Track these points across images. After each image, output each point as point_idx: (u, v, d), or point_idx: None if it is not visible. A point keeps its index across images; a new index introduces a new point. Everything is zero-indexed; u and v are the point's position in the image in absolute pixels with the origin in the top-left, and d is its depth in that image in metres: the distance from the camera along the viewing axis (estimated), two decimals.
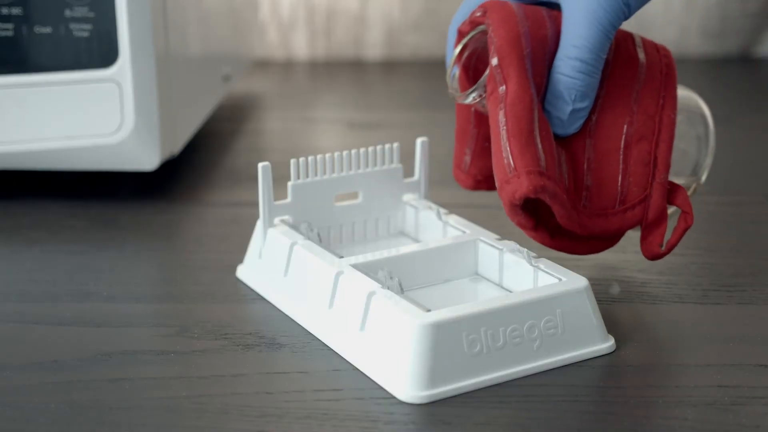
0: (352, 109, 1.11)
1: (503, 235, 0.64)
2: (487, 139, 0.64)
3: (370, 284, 0.58)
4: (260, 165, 0.64)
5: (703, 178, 0.68)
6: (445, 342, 0.54)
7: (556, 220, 0.59)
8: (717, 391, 0.55)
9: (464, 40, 0.62)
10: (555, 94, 0.60)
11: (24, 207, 0.81)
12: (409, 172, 0.71)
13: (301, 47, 1.28)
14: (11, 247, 0.74)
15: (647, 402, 0.54)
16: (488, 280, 0.64)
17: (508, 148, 0.57)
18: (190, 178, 0.87)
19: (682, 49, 1.26)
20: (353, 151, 0.68)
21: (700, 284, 0.67)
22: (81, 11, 0.75)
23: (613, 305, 0.64)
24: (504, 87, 0.58)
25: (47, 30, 0.75)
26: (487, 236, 0.64)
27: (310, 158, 0.66)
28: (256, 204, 0.66)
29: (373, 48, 1.27)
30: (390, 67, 1.26)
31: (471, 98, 0.61)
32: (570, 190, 0.60)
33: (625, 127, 0.61)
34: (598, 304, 0.59)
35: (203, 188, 0.85)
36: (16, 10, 0.75)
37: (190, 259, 0.72)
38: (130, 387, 0.56)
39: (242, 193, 0.84)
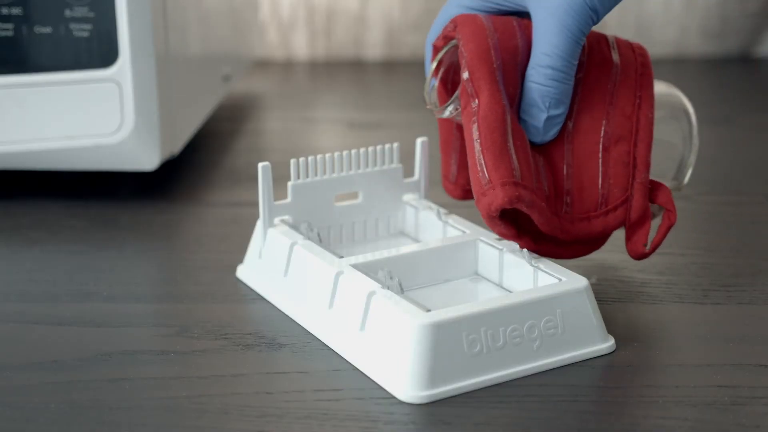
0: (352, 109, 1.11)
1: None
2: None
3: (370, 284, 0.58)
4: (260, 165, 0.64)
5: (688, 175, 0.68)
6: (445, 342, 0.54)
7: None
8: (717, 391, 0.55)
9: (439, 55, 0.63)
10: (529, 102, 0.60)
11: (24, 207, 0.81)
12: (409, 172, 0.71)
13: (301, 47, 1.28)
14: (11, 247, 0.74)
15: (647, 402, 0.54)
16: (488, 280, 0.64)
17: (483, 161, 0.58)
18: (190, 178, 0.87)
19: (682, 49, 1.26)
20: (353, 151, 0.68)
21: (700, 284, 0.67)
22: (81, 11, 0.75)
23: (613, 305, 0.64)
24: (476, 101, 0.59)
25: (47, 30, 0.75)
26: (487, 236, 0.64)
27: (310, 158, 0.67)
28: (256, 204, 0.66)
29: (373, 48, 1.27)
30: (390, 67, 1.26)
31: (448, 112, 0.62)
32: (551, 197, 0.60)
33: (603, 129, 0.61)
34: (598, 304, 0.59)
35: (203, 188, 0.85)
36: (16, 10, 0.75)
37: (190, 259, 0.72)
38: (130, 387, 0.56)
39: (242, 193, 0.84)
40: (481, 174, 0.58)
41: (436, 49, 0.63)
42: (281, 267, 0.64)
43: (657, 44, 1.25)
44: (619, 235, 0.73)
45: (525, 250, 0.61)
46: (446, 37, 0.62)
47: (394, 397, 0.54)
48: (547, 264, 0.60)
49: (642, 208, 0.61)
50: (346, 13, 1.26)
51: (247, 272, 0.68)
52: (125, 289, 0.67)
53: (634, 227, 0.61)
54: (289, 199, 0.66)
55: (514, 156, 0.58)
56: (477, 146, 0.58)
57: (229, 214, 0.80)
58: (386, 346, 0.55)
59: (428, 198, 0.70)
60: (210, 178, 0.88)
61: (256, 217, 0.67)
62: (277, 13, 1.27)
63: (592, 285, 0.64)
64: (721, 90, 1.19)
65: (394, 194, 0.70)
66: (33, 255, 0.73)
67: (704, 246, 0.73)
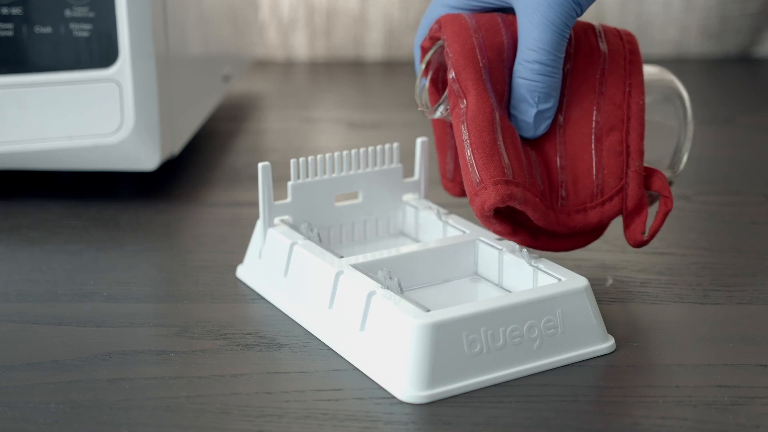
0: (352, 109, 1.11)
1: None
2: None
3: (370, 284, 0.58)
4: (260, 165, 0.64)
5: (684, 159, 0.67)
6: (445, 342, 0.54)
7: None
8: (717, 391, 0.55)
9: (427, 56, 0.63)
10: (518, 98, 0.61)
11: (24, 207, 0.81)
12: (409, 172, 0.71)
13: (301, 47, 1.28)
14: (11, 247, 0.74)
15: (647, 402, 0.54)
16: (488, 280, 0.64)
17: (473, 161, 0.58)
18: (190, 178, 0.87)
19: (682, 49, 1.26)
20: (353, 151, 0.68)
21: (700, 284, 0.67)
22: (81, 11, 0.75)
23: (613, 305, 0.64)
24: (464, 101, 0.59)
25: (47, 30, 0.75)
26: (486, 236, 0.64)
27: (310, 158, 0.67)
28: (256, 204, 0.66)
29: (373, 48, 1.27)
30: (390, 67, 1.26)
31: (438, 113, 0.62)
32: (546, 191, 0.60)
33: (594, 120, 0.61)
34: (598, 304, 0.59)
35: (203, 188, 0.85)
36: (16, 10, 0.75)
37: (190, 259, 0.72)
38: (130, 387, 0.56)
39: (242, 193, 0.84)
40: (472, 174, 0.58)
41: (424, 50, 0.64)
42: (281, 267, 0.64)
43: (657, 44, 1.25)
44: (618, 236, 0.73)
45: (525, 250, 0.61)
46: (433, 38, 0.63)
47: (394, 397, 0.54)
48: (546, 264, 0.60)
49: (638, 196, 0.61)
50: (346, 13, 1.26)
51: (247, 272, 0.68)
52: (125, 289, 0.67)
53: (631, 216, 0.61)
54: (289, 199, 0.66)
55: (504, 154, 0.59)
56: (467, 147, 0.59)
57: (229, 214, 0.80)
58: (386, 346, 0.55)
59: (428, 198, 0.70)
60: (210, 178, 0.88)
61: (256, 217, 0.67)
62: (277, 13, 1.27)
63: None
64: (721, 90, 1.19)
65: (394, 194, 0.70)
66: (33, 255, 0.73)
67: (704, 246, 0.73)
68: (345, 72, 1.25)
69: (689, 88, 0.70)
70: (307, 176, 0.67)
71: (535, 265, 0.60)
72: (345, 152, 0.68)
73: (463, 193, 0.66)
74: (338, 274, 0.60)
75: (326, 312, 0.60)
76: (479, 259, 0.64)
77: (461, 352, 0.55)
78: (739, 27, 1.25)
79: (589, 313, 0.58)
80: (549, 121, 0.61)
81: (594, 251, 0.71)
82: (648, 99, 0.63)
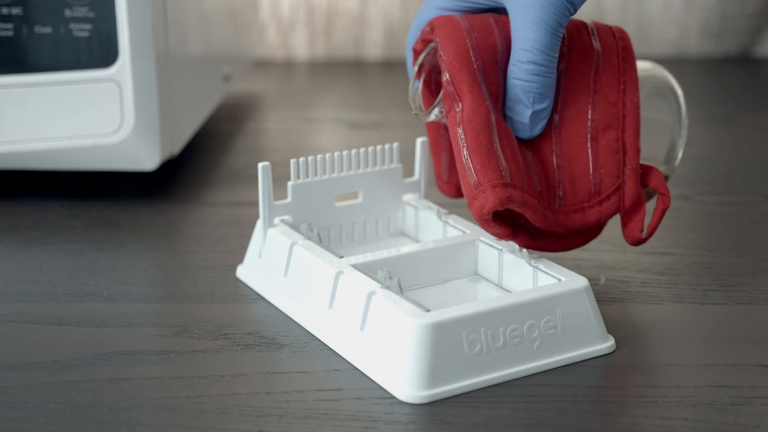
0: (352, 109, 1.11)
1: None
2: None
3: (370, 284, 0.58)
4: (260, 165, 0.64)
5: (680, 155, 0.67)
6: (445, 342, 0.54)
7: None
8: (717, 391, 0.55)
9: (420, 59, 0.63)
10: (513, 99, 0.60)
11: (24, 207, 0.81)
12: (409, 172, 0.71)
13: (301, 47, 1.28)
14: (11, 247, 0.74)
15: (647, 402, 0.54)
16: (488, 280, 0.64)
17: (471, 164, 0.58)
18: (190, 178, 0.87)
19: (682, 49, 1.26)
20: (353, 151, 0.68)
21: (700, 284, 0.67)
22: (81, 11, 0.75)
23: (613, 305, 0.64)
24: (460, 104, 0.59)
25: (47, 30, 0.75)
26: (486, 236, 0.64)
27: (310, 158, 0.67)
28: (256, 204, 0.66)
29: (373, 48, 1.27)
30: (390, 67, 1.26)
31: (433, 116, 0.62)
32: (543, 191, 0.60)
33: (589, 118, 0.61)
34: (598, 304, 0.59)
35: (203, 188, 0.85)
36: (16, 10, 0.75)
37: (190, 259, 0.72)
38: (130, 387, 0.56)
39: (242, 193, 0.84)
40: (470, 177, 0.58)
41: (416, 53, 0.63)
42: (281, 267, 0.64)
43: (657, 44, 1.25)
44: (618, 236, 0.73)
45: (525, 250, 0.61)
46: (425, 40, 0.63)
47: (394, 397, 0.54)
48: (546, 264, 0.60)
49: (635, 194, 0.61)
50: (346, 13, 1.26)
51: (247, 272, 0.68)
52: (125, 289, 0.67)
53: (629, 214, 0.61)
54: (289, 199, 0.66)
55: (501, 156, 0.59)
56: (464, 150, 0.59)
57: (229, 214, 0.80)
58: (386, 346, 0.55)
59: (428, 198, 0.70)
60: (210, 178, 0.88)
61: (256, 217, 0.67)
62: (277, 13, 1.27)
63: (599, 285, 0.64)
64: (721, 90, 1.19)
65: (394, 194, 0.70)
66: (33, 255, 0.73)
67: (704, 246, 0.73)
68: (345, 72, 1.25)
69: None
70: (307, 176, 0.67)
71: (535, 265, 0.60)
72: (345, 152, 0.68)
73: (458, 194, 0.66)
74: (338, 274, 0.60)
75: (326, 312, 0.60)
76: (479, 259, 0.64)
77: (461, 352, 0.55)
78: (739, 27, 1.25)
79: (589, 313, 0.58)
80: (545, 122, 0.61)
81: (594, 251, 0.71)
82: (641, 95, 0.63)
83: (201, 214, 0.80)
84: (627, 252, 0.71)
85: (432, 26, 0.62)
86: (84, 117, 0.76)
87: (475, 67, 0.60)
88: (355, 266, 0.60)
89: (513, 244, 0.62)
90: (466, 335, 0.55)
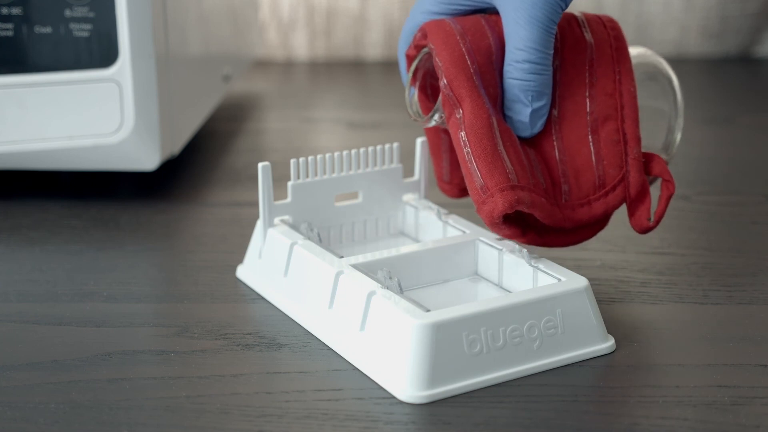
0: (352, 109, 1.11)
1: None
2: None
3: (370, 284, 0.58)
4: (260, 165, 0.64)
5: (677, 138, 0.67)
6: (445, 342, 0.54)
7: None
8: (717, 391, 0.55)
9: (414, 65, 0.63)
10: (512, 99, 0.60)
11: (24, 207, 0.81)
12: (409, 172, 0.71)
13: (301, 47, 1.28)
14: (11, 247, 0.74)
15: (647, 402, 0.54)
16: (488, 280, 0.64)
17: (477, 169, 0.58)
18: (190, 178, 0.87)
19: (682, 49, 1.26)
20: (353, 151, 0.68)
21: (700, 284, 0.67)
22: (81, 11, 0.75)
23: (613, 305, 0.64)
24: (460, 110, 0.59)
25: (47, 30, 0.75)
26: (486, 236, 0.64)
27: (310, 158, 0.67)
28: (256, 204, 0.66)
29: (373, 48, 1.27)
30: (390, 67, 1.26)
31: (433, 122, 0.62)
32: (549, 188, 0.60)
33: (588, 111, 0.61)
34: (598, 304, 0.59)
35: (203, 188, 0.85)
36: (16, 10, 0.75)
37: (190, 259, 0.72)
38: (130, 387, 0.56)
39: (242, 193, 0.84)
40: (477, 183, 0.58)
41: (410, 59, 0.63)
42: (281, 267, 0.64)
43: (657, 44, 1.25)
44: (618, 236, 0.73)
45: (525, 250, 0.61)
46: (418, 46, 0.62)
47: (394, 397, 0.54)
48: (546, 264, 0.60)
49: (640, 183, 0.61)
50: (346, 13, 1.26)
51: (247, 272, 0.68)
52: (125, 289, 0.67)
53: (635, 203, 0.61)
54: (289, 199, 0.66)
55: (506, 158, 0.59)
56: (469, 156, 0.59)
57: (229, 214, 0.80)
58: (386, 346, 0.55)
59: (428, 198, 0.70)
60: (210, 178, 0.88)
61: (256, 217, 0.67)
62: (277, 13, 1.27)
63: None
64: (721, 90, 1.19)
65: (394, 194, 0.70)
66: (33, 255, 0.73)
67: (704, 246, 0.73)
68: (345, 72, 1.25)
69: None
70: (307, 176, 0.67)
71: (535, 265, 0.60)
72: (345, 152, 0.68)
73: (460, 195, 0.66)
74: (338, 274, 0.60)
75: (326, 312, 0.60)
76: (479, 259, 0.64)
77: (461, 352, 0.55)
78: (739, 27, 1.25)
79: (589, 313, 0.58)
80: (544, 119, 0.61)
81: (594, 251, 0.71)
82: (637, 82, 0.63)
83: (201, 214, 0.80)
84: (627, 252, 0.71)
85: (424, 32, 0.61)
86: (84, 117, 0.76)
87: (471, 71, 0.60)
88: (355, 266, 0.60)
89: (513, 244, 0.62)
90: (466, 335, 0.55)
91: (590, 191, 0.61)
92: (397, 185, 0.70)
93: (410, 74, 0.63)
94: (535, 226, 0.61)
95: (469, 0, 0.62)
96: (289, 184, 0.66)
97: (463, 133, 0.59)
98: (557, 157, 0.61)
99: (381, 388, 0.55)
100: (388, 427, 0.52)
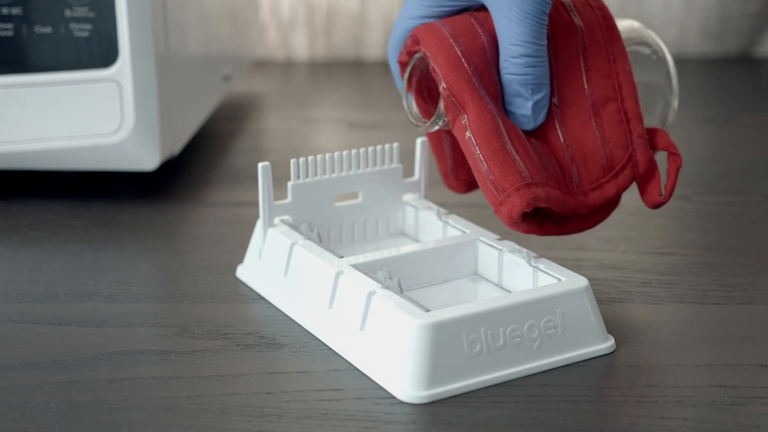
0: (352, 109, 1.11)
1: (503, 235, 0.64)
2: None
3: (370, 284, 0.58)
4: (260, 165, 0.64)
5: (673, 110, 0.67)
6: (445, 342, 0.54)
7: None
8: (717, 391, 0.55)
9: (408, 70, 0.63)
10: (512, 94, 0.60)
11: (24, 207, 0.81)
12: (409, 172, 0.71)
13: (301, 47, 1.28)
14: (11, 247, 0.74)
15: (647, 402, 0.54)
16: (488, 280, 0.64)
17: (489, 172, 0.58)
18: (190, 178, 0.87)
19: (682, 49, 1.26)
20: (353, 151, 0.68)
21: (700, 284, 0.67)
22: (81, 11, 0.75)
23: (613, 305, 0.64)
24: (465, 115, 0.59)
25: (47, 30, 0.75)
26: (486, 236, 0.64)
27: (310, 158, 0.67)
28: (256, 204, 0.66)
29: (373, 48, 1.27)
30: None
31: (437, 126, 0.62)
32: (560, 177, 0.60)
33: (587, 96, 0.61)
34: (598, 304, 0.59)
35: (203, 188, 0.85)
36: (16, 10, 0.75)
37: (190, 259, 0.72)
38: (130, 387, 0.56)
39: (242, 193, 0.84)
40: (492, 185, 0.58)
41: (403, 65, 0.63)
42: (281, 267, 0.64)
43: None
44: (618, 236, 0.73)
45: (525, 250, 0.61)
46: (410, 52, 0.62)
47: (394, 397, 0.54)
48: (546, 264, 0.60)
49: (647, 159, 0.61)
50: (346, 13, 1.26)
51: (247, 272, 0.68)
52: (125, 289, 0.67)
53: (645, 180, 0.61)
54: (289, 199, 0.66)
55: (516, 157, 0.59)
56: (480, 160, 0.59)
57: (229, 214, 0.80)
58: (386, 346, 0.55)
59: (428, 198, 0.70)
60: (210, 178, 0.88)
61: (256, 217, 0.67)
62: (277, 13, 1.27)
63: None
64: (721, 90, 1.19)
65: (394, 194, 0.70)
66: (33, 255, 0.73)
67: (704, 246, 0.73)
68: (345, 72, 1.25)
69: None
70: (307, 176, 0.67)
71: (535, 265, 0.60)
72: (345, 152, 0.68)
73: (468, 189, 0.66)
74: (338, 274, 0.60)
75: (326, 312, 0.60)
76: (479, 259, 0.64)
77: (461, 352, 0.55)
78: (739, 27, 1.25)
79: (589, 313, 0.58)
80: (545, 109, 0.61)
81: (594, 251, 0.71)
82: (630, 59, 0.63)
83: (201, 214, 0.80)
84: (627, 252, 0.71)
85: (416, 38, 0.61)
86: (84, 117, 0.76)
87: (470, 73, 0.59)
88: (355, 266, 0.60)
89: (513, 244, 0.62)
90: (466, 335, 0.55)
91: (600, 174, 0.61)
92: (397, 185, 0.70)
93: (405, 80, 0.63)
94: (551, 217, 0.61)
95: (457, 0, 0.62)
96: (289, 184, 0.66)
97: (470, 137, 0.59)
98: (563, 145, 0.61)
99: (381, 388, 0.55)
100: (388, 427, 0.52)
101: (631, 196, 0.77)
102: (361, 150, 0.68)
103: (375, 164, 0.69)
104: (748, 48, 1.27)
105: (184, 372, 0.57)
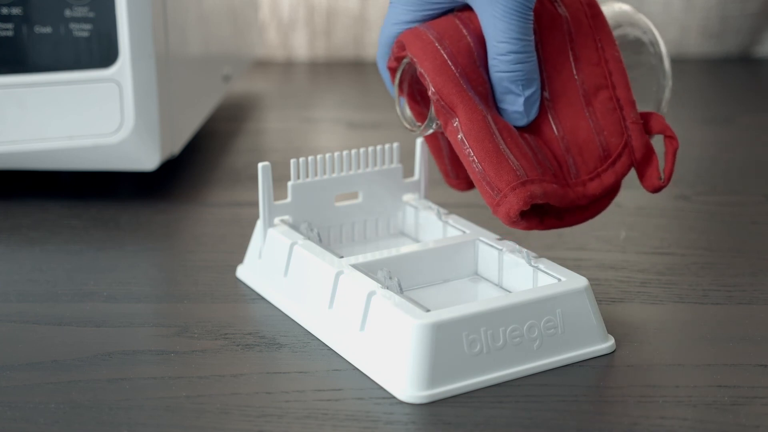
0: (352, 109, 1.11)
1: (503, 235, 0.64)
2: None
3: (370, 284, 0.58)
4: (260, 165, 0.64)
5: (667, 94, 0.66)
6: (445, 342, 0.54)
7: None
8: (717, 391, 0.55)
9: (397, 76, 0.63)
10: (503, 91, 0.60)
11: (24, 207, 0.81)
12: (409, 172, 0.71)
13: (301, 47, 1.28)
14: (11, 247, 0.74)
15: (647, 402, 0.54)
16: (488, 280, 0.64)
17: (484, 173, 0.58)
18: (190, 178, 0.87)
19: (682, 49, 1.26)
20: (353, 151, 0.68)
21: (700, 284, 0.67)
22: (81, 11, 0.75)
23: (613, 305, 0.64)
24: (456, 118, 0.59)
25: (47, 30, 0.75)
26: (486, 236, 0.64)
27: (310, 158, 0.67)
28: (256, 204, 0.66)
29: (373, 48, 1.27)
30: None
31: (431, 130, 0.62)
32: (557, 171, 0.60)
33: (578, 86, 0.61)
34: (598, 304, 0.59)
35: (203, 188, 0.85)
36: (16, 10, 0.75)
37: (190, 259, 0.72)
38: (130, 387, 0.56)
39: (242, 193, 0.84)
40: (488, 186, 0.58)
41: (392, 71, 0.63)
42: (281, 267, 0.64)
43: None
44: (617, 237, 0.73)
45: (525, 250, 0.61)
46: (398, 58, 0.62)
47: (394, 397, 0.54)
48: (546, 264, 0.60)
49: (643, 145, 0.61)
50: (346, 13, 1.26)
51: (247, 272, 0.68)
52: (125, 289, 0.67)
53: (642, 165, 0.61)
54: (289, 199, 0.66)
55: (510, 155, 0.59)
56: (474, 161, 0.59)
57: (229, 214, 0.80)
58: (386, 346, 0.55)
59: (428, 198, 0.70)
60: (210, 178, 0.88)
61: (256, 217, 0.67)
62: (277, 13, 1.27)
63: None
64: (721, 90, 1.19)
65: (394, 194, 0.70)
66: (33, 255, 0.73)
67: (704, 246, 0.73)
68: (345, 72, 1.25)
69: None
70: (307, 176, 0.67)
71: (535, 265, 0.60)
72: (345, 152, 0.68)
73: (469, 187, 0.66)
74: (338, 274, 0.60)
75: (326, 312, 0.60)
76: (479, 259, 0.64)
77: (461, 352, 0.55)
78: (739, 27, 1.25)
79: (589, 313, 0.58)
80: (537, 104, 0.61)
81: (594, 251, 0.71)
82: (619, 44, 0.63)
83: (201, 214, 0.80)
84: (627, 252, 0.71)
85: (402, 44, 0.61)
86: (84, 117, 0.76)
87: (457, 75, 0.59)
88: (355, 266, 0.60)
89: (513, 244, 0.62)
90: (466, 335, 0.55)
91: (597, 164, 0.61)
92: (397, 185, 0.70)
93: (396, 86, 0.63)
94: (551, 211, 0.61)
95: (440, 2, 0.61)
96: (289, 184, 0.66)
97: (463, 139, 0.59)
98: (558, 138, 0.61)
99: (381, 388, 0.55)
100: (388, 427, 0.52)
101: (631, 196, 0.77)
102: (361, 150, 0.68)
103: (375, 164, 0.69)
104: (748, 48, 1.27)
105: (184, 372, 0.57)
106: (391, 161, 0.69)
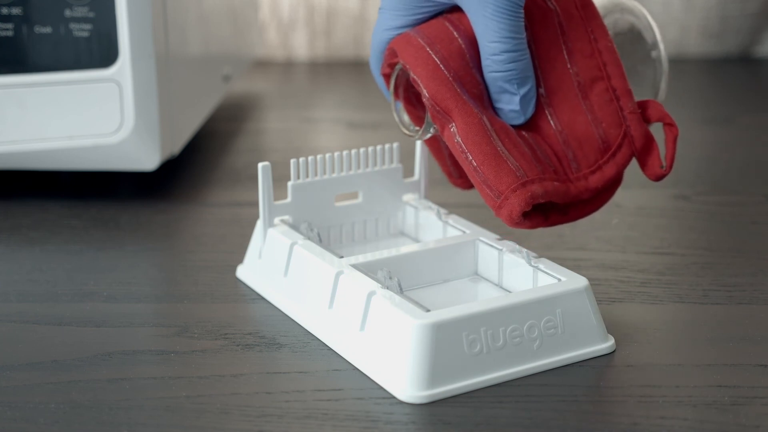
0: (352, 109, 1.11)
1: (503, 235, 0.64)
2: None
3: (370, 284, 0.58)
4: (260, 165, 0.64)
5: (663, 83, 0.66)
6: (445, 342, 0.54)
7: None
8: (717, 391, 0.55)
9: (392, 82, 0.63)
10: (498, 91, 0.60)
11: (24, 207, 0.81)
12: (409, 172, 0.71)
13: (301, 47, 1.28)
14: (11, 247, 0.74)
15: (647, 402, 0.54)
16: (488, 280, 0.64)
17: (484, 176, 0.58)
18: (190, 178, 0.87)
19: (682, 49, 1.26)
20: (353, 151, 0.68)
21: (700, 284, 0.67)
22: (81, 11, 0.75)
23: (613, 305, 0.64)
24: (452, 123, 0.59)
25: (47, 30, 0.75)
26: (486, 236, 0.64)
27: (310, 158, 0.67)
28: (256, 204, 0.66)
29: None
30: None
31: (429, 134, 0.62)
32: (558, 167, 0.60)
33: (573, 79, 0.61)
34: (598, 304, 0.59)
35: (203, 188, 0.85)
36: (16, 10, 0.75)
37: (190, 259, 0.72)
38: (130, 387, 0.56)
39: (242, 193, 0.84)
40: (488, 189, 0.58)
41: (386, 77, 0.63)
42: (281, 267, 0.64)
43: None
44: (618, 236, 0.73)
45: (525, 250, 0.61)
46: (391, 64, 0.62)
47: (394, 397, 0.54)
48: (546, 264, 0.60)
49: (642, 134, 0.61)
50: (346, 13, 1.26)
51: (247, 272, 0.68)
52: (125, 289, 0.67)
53: (643, 155, 0.61)
54: (289, 199, 0.66)
55: (509, 157, 0.58)
56: (472, 164, 0.58)
57: (229, 214, 0.80)
58: (386, 346, 0.55)
59: (428, 198, 0.70)
60: (210, 178, 0.88)
61: (256, 217, 0.67)
62: (277, 13, 1.27)
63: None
64: (721, 90, 1.19)
65: (394, 194, 0.70)
66: (33, 255, 0.73)
67: (704, 246, 0.73)
68: (345, 72, 1.25)
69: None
70: (307, 176, 0.67)
71: (535, 265, 0.60)
72: (345, 152, 0.68)
73: (472, 185, 0.66)
74: (338, 274, 0.60)
75: (326, 312, 0.60)
76: (479, 259, 0.64)
77: (461, 352, 0.55)
78: (739, 27, 1.25)
79: (589, 313, 0.58)
80: (533, 101, 0.61)
81: (594, 251, 0.71)
82: (611, 32, 0.63)
83: (201, 214, 0.80)
84: (627, 252, 0.71)
85: (393, 50, 0.61)
86: (84, 117, 0.76)
87: (450, 79, 0.59)
88: (355, 266, 0.60)
89: (513, 244, 0.62)
90: (466, 335, 0.55)
91: (597, 156, 0.61)
92: (397, 185, 0.70)
93: (391, 92, 0.63)
94: (555, 207, 0.61)
95: (429, 5, 0.61)
96: (289, 184, 0.66)
97: (460, 143, 0.59)
98: (557, 133, 0.61)
99: (381, 388, 0.55)
100: (388, 427, 0.52)
101: (631, 196, 0.77)
102: (361, 150, 0.68)
103: (375, 164, 0.69)
104: (748, 48, 1.27)
105: (184, 372, 0.57)
106: (391, 161, 0.69)
